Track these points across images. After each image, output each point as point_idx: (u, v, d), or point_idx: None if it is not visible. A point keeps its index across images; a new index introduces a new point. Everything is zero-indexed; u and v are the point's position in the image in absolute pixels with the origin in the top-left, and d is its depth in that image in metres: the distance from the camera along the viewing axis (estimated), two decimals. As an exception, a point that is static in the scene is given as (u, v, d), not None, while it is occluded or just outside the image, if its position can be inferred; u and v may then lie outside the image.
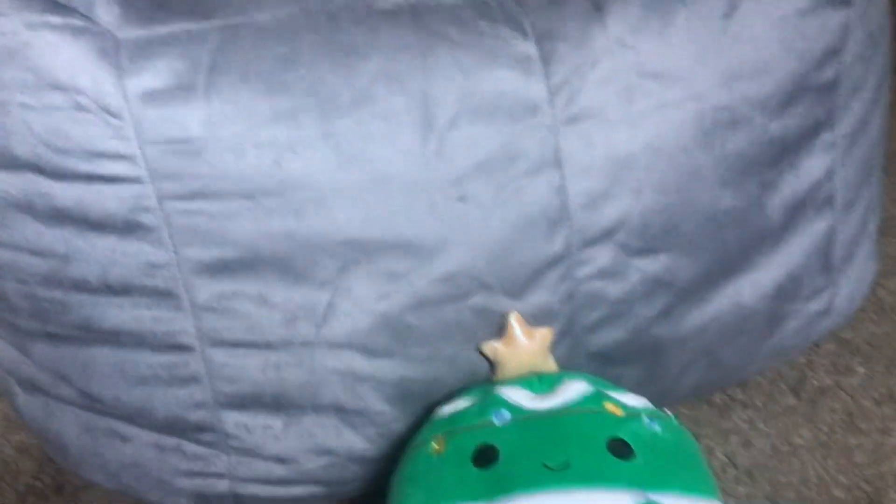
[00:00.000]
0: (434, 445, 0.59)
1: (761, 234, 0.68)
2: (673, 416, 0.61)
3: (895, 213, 1.02)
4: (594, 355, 0.68)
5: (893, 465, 0.75)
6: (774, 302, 0.72)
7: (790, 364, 0.84)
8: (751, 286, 0.70)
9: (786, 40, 0.63)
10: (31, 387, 0.69)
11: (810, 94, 0.66)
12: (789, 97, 0.65)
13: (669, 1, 0.61)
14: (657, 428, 0.58)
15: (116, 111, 0.56)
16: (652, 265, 0.65)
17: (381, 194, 0.58)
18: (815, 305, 0.75)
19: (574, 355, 0.67)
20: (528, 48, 0.59)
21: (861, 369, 0.84)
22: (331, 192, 0.58)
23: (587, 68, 0.59)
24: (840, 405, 0.81)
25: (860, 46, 0.68)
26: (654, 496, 0.52)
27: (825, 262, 0.74)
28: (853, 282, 0.78)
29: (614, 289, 0.65)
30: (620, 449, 0.54)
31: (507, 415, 0.57)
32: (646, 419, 0.58)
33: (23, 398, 0.71)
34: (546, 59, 0.59)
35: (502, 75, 0.59)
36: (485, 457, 0.55)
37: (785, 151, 0.67)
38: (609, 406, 0.58)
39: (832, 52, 0.66)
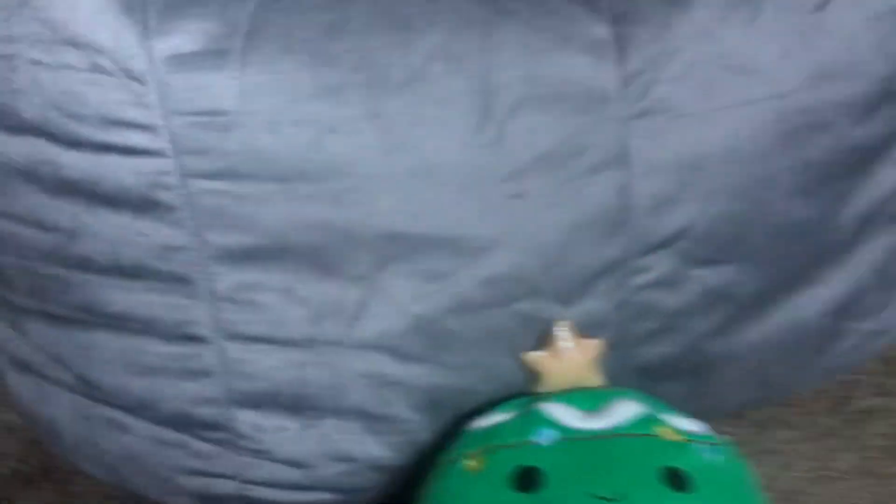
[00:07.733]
0: (469, 462, 0.54)
1: (830, 247, 0.64)
2: (730, 444, 0.57)
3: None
4: (640, 369, 0.63)
5: (941, 497, 0.71)
6: (833, 319, 0.67)
7: (833, 383, 0.80)
8: (812, 303, 0.65)
9: (878, 40, 0.58)
10: (24, 366, 0.65)
11: (895, 100, 0.61)
12: (876, 101, 0.60)
13: (757, -12, 0.56)
14: (716, 457, 0.53)
15: (139, 75, 0.51)
16: (713, 277, 0.60)
17: (428, 185, 0.53)
18: (870, 324, 0.71)
19: (619, 369, 0.62)
20: (603, 31, 0.54)
21: (908, 391, 0.80)
22: (374, 180, 0.53)
23: (666, 57, 0.54)
24: (886, 428, 0.77)
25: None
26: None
27: (884, 279, 0.69)
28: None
29: (671, 300, 0.60)
30: (677, 480, 0.50)
31: (553, 434, 0.53)
32: (705, 447, 0.53)
33: (13, 377, 0.67)
34: (621, 45, 0.54)
35: (572, 60, 0.53)
36: (527, 480, 0.51)
37: (863, 160, 0.62)
38: (663, 431, 0.54)
39: (923, 56, 0.61)
